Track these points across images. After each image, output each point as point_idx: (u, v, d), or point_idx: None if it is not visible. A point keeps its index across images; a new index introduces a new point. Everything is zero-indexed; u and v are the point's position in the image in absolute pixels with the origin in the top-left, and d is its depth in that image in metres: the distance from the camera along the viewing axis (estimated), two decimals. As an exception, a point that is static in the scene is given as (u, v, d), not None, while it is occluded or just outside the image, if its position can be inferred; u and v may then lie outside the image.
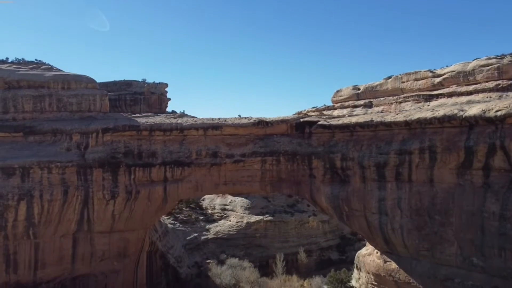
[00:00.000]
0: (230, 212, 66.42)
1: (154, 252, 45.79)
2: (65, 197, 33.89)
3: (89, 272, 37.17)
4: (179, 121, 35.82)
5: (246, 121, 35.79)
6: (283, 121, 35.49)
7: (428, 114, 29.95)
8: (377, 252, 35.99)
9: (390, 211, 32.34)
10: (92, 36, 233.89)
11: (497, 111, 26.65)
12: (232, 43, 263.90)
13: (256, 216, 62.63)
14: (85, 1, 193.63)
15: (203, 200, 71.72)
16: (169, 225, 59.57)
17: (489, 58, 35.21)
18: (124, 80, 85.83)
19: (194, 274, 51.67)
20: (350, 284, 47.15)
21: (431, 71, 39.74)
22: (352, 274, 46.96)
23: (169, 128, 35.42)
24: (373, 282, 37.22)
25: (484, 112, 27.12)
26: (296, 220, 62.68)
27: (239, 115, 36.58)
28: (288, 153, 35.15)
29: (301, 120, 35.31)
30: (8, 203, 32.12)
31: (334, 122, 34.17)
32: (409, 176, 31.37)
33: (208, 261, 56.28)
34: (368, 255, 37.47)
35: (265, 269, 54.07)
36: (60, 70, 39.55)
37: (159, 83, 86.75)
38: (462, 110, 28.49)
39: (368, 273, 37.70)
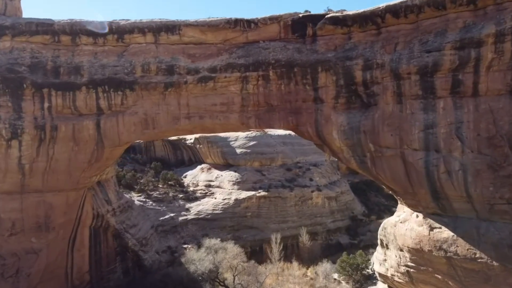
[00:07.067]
0: (216, 188, 54.51)
1: (103, 230, 33.75)
2: None
3: (-8, 252, 25.33)
4: (115, 21, 23.77)
5: (217, 20, 23.74)
6: (272, 19, 23.41)
7: (511, -24, 18.07)
8: (417, 216, 23.95)
9: (444, 144, 20.40)
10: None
11: None
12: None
13: (247, 192, 50.75)
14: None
15: (184, 177, 59.88)
16: (138, 202, 47.63)
17: None
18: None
19: (164, 262, 39.67)
20: (368, 271, 35.56)
21: None
22: (370, 258, 35.31)
23: (100, 29, 23.39)
24: (409, 263, 25.08)
25: None
26: (297, 196, 50.78)
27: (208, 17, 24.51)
28: (281, 64, 23.00)
29: (301, 15, 23.25)
30: None
31: (351, 12, 22.14)
32: (475, 86, 19.59)
33: (185, 245, 44.36)
34: (402, 223, 25.34)
35: (259, 256, 42.85)
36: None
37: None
38: None
39: (401, 250, 25.56)
